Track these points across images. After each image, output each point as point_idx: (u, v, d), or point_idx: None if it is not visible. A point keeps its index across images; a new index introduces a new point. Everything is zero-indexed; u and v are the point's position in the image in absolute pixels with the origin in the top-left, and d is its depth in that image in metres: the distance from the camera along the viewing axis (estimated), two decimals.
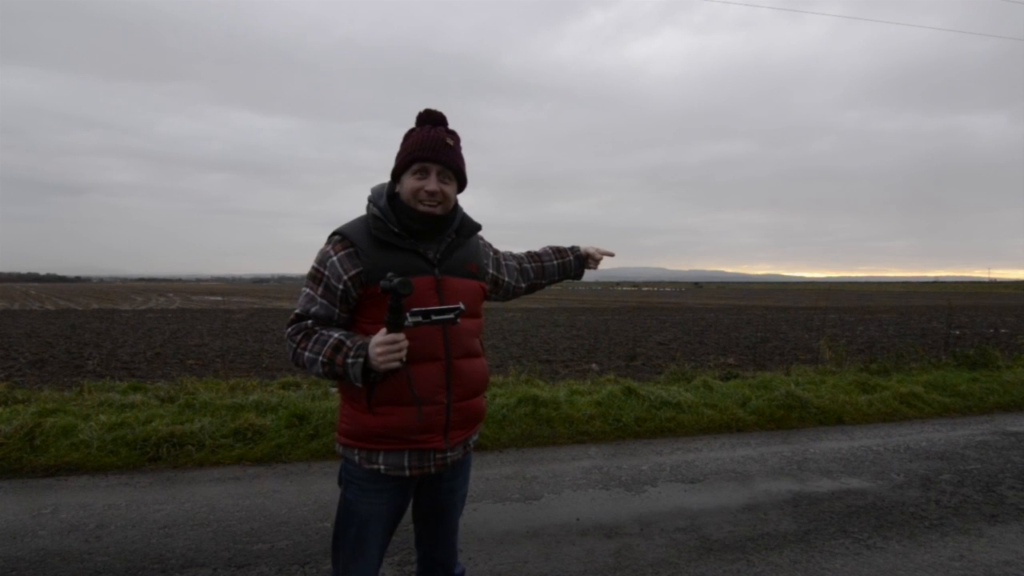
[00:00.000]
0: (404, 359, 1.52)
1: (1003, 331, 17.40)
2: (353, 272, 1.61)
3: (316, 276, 1.64)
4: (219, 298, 51.86)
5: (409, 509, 1.86)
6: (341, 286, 1.61)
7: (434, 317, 1.51)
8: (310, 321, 1.63)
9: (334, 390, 6.12)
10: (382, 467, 1.66)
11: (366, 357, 1.51)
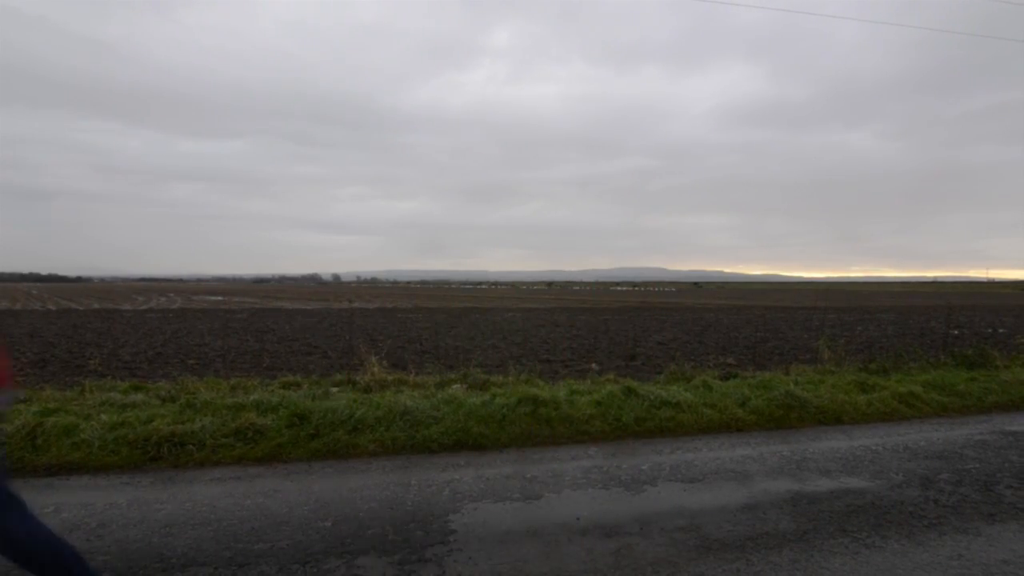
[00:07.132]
0: None
1: (1001, 331, 17.40)
2: None
3: None
4: (220, 298, 51.83)
5: None
6: None
7: None
8: None
9: (335, 390, 6.13)
10: None
11: None
